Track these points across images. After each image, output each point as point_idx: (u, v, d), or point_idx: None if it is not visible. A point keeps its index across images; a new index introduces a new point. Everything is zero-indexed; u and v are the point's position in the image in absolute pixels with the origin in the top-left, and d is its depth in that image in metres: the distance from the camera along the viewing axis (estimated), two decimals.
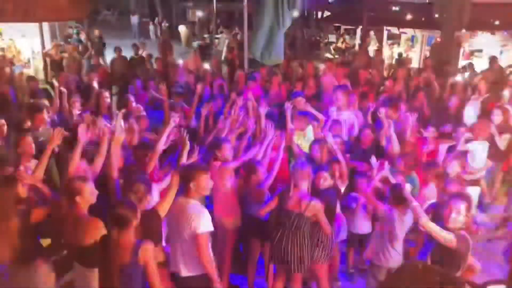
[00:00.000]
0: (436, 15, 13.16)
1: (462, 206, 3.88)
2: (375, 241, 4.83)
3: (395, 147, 5.89)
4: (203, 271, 3.87)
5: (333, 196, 4.88)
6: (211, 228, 3.88)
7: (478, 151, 6.56)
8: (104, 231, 3.55)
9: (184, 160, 4.39)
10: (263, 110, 6.15)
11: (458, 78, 9.98)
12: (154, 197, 4.26)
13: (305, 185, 4.52)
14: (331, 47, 19.95)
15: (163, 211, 3.93)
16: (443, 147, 6.06)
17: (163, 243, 4.29)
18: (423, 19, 15.11)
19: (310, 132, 6.50)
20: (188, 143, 4.52)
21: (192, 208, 3.86)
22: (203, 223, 3.80)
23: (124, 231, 3.34)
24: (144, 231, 3.55)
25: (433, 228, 3.82)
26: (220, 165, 5.02)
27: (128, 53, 12.66)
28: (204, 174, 3.93)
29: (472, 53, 14.40)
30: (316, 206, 4.45)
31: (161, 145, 4.77)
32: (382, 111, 6.34)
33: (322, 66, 11.63)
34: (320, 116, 6.56)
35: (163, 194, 4.23)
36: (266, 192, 5.05)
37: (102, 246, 3.44)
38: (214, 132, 6.02)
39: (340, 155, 5.39)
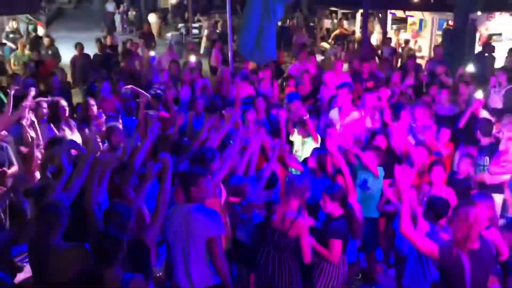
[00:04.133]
0: None
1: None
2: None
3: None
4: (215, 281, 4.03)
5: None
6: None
7: None
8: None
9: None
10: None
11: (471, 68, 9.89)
12: None
13: (295, 202, 4.56)
14: (330, 35, 19.92)
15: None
16: None
17: None
18: (432, 0, 15.23)
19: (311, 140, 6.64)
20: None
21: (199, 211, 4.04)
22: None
23: (110, 267, 3.36)
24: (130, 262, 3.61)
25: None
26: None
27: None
28: None
29: (490, 37, 14.50)
30: (300, 223, 4.44)
31: (138, 163, 4.79)
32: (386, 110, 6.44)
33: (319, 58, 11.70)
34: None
35: None
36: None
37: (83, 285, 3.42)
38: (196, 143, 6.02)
39: (345, 165, 5.43)
